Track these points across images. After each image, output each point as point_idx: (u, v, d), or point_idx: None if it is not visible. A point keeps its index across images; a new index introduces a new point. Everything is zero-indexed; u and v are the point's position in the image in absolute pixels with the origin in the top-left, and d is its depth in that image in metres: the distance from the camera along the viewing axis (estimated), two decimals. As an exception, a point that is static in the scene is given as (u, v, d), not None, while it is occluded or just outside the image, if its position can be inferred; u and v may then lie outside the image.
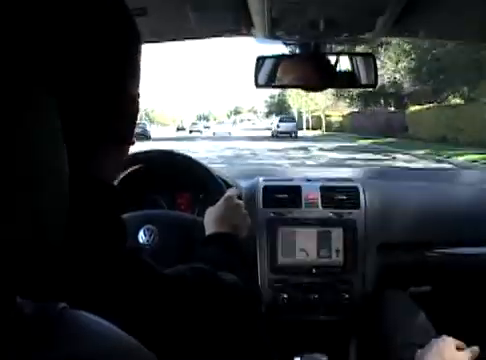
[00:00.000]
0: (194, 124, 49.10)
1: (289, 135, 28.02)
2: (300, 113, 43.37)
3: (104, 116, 0.55)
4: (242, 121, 49.19)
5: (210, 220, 1.01)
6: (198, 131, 43.42)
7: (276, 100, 63.96)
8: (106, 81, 0.54)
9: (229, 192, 1.10)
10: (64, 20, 0.50)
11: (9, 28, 0.43)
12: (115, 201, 0.58)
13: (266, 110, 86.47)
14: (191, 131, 44.00)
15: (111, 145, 0.58)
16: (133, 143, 0.62)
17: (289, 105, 45.89)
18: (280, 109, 59.44)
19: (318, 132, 36.46)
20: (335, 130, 34.07)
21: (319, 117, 38.15)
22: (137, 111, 0.61)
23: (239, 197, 1.10)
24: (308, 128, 41.90)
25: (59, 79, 0.48)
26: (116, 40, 0.55)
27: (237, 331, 0.65)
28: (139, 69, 0.61)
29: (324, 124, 36.06)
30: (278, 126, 29.50)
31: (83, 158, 0.40)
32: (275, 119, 33.22)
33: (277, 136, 27.49)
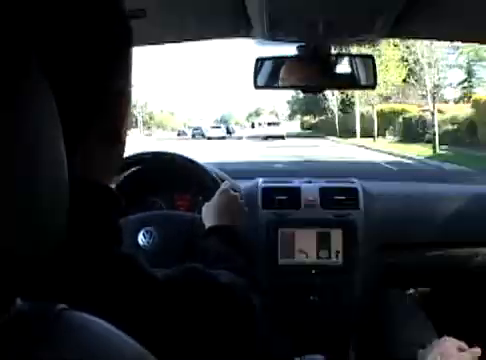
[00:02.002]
0: (196, 129, 47.76)
1: (279, 138, 32.41)
2: (348, 105, 25.73)
3: (88, 113, 0.54)
4: (260, 124, 46.75)
5: (208, 215, 1.02)
6: (202, 135, 41.84)
7: (301, 95, 53.03)
8: (91, 76, 0.53)
9: (223, 185, 1.11)
10: (50, 12, 0.49)
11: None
12: (111, 203, 0.58)
13: (288, 112, 76.26)
14: (194, 135, 42.22)
15: (98, 144, 0.57)
16: (123, 143, 0.61)
17: (325, 97, 30.41)
18: (308, 106, 48.18)
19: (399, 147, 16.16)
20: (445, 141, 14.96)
21: (394, 113, 20.60)
22: (125, 111, 0.60)
23: (234, 190, 1.12)
24: (371, 135, 20.19)
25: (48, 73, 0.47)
26: (104, 34, 0.54)
27: (232, 332, 0.64)
28: (129, 67, 0.61)
29: (437, 126, 15.00)
30: (266, 130, 35.29)
31: (69, 157, 0.39)
32: (264, 124, 37.56)
33: (266, 139, 32.03)
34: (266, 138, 32.10)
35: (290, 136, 35.92)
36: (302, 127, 56.69)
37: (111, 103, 0.56)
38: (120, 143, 0.60)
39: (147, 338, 0.50)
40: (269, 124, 36.07)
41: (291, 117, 74.56)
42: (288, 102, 70.03)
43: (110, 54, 0.55)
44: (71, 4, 0.51)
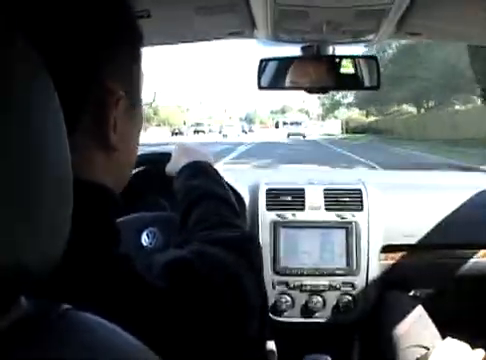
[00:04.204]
0: (198, 124, 43.86)
1: (300, 136, 35.03)
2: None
3: (80, 115, 0.53)
4: (285, 124, 41.55)
5: (173, 166, 1.00)
6: (202, 131, 40.80)
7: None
8: (84, 75, 0.53)
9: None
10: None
11: None
12: (108, 203, 0.57)
13: (320, 111, 61.13)
14: (196, 132, 40.22)
15: (95, 147, 0.56)
16: (127, 146, 0.61)
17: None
18: (366, 95, 29.28)
19: None
20: None
21: None
22: (129, 114, 0.59)
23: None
24: None
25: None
26: (103, 33, 0.54)
27: (226, 331, 0.61)
28: (130, 69, 0.60)
29: None
30: (289, 129, 38.01)
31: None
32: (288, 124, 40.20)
33: (289, 137, 34.39)
34: (289, 137, 34.20)
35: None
36: (346, 129, 40.54)
37: (102, 107, 0.55)
38: (116, 149, 0.58)
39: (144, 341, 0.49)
40: (291, 124, 38.87)
41: (325, 116, 57.54)
42: (319, 98, 49.65)
43: (98, 53, 0.54)
44: (75, 3, 0.52)
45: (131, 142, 0.62)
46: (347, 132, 39.43)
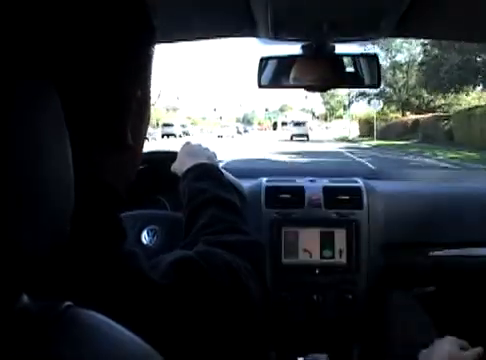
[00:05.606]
0: (167, 126, 35.58)
1: (304, 137, 34.06)
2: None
3: (100, 114, 0.54)
4: (285, 124, 38.25)
5: (177, 167, 1.01)
6: (172, 134, 33.88)
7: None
8: (103, 75, 0.53)
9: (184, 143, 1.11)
10: (63, 9, 0.49)
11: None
12: (115, 201, 0.57)
13: (323, 110, 53.98)
14: (166, 135, 33.45)
15: (110, 146, 0.56)
16: (137, 147, 0.61)
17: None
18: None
19: None
20: None
21: None
22: (141, 113, 0.59)
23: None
24: None
25: (56, 71, 0.46)
26: (119, 33, 0.54)
27: (228, 331, 0.61)
28: (146, 68, 0.60)
29: None
30: (291, 130, 36.90)
31: (78, 157, 0.39)
32: (290, 125, 39.26)
33: (292, 139, 33.45)
34: (292, 139, 33.29)
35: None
36: (375, 133, 27.39)
37: (124, 103, 0.56)
38: (131, 147, 0.59)
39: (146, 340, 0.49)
40: (295, 125, 37.28)
41: (331, 115, 48.56)
42: (323, 97, 41.15)
43: (122, 55, 0.55)
44: (82, 4, 0.51)
45: (141, 140, 0.63)
46: (376, 137, 26.77)
